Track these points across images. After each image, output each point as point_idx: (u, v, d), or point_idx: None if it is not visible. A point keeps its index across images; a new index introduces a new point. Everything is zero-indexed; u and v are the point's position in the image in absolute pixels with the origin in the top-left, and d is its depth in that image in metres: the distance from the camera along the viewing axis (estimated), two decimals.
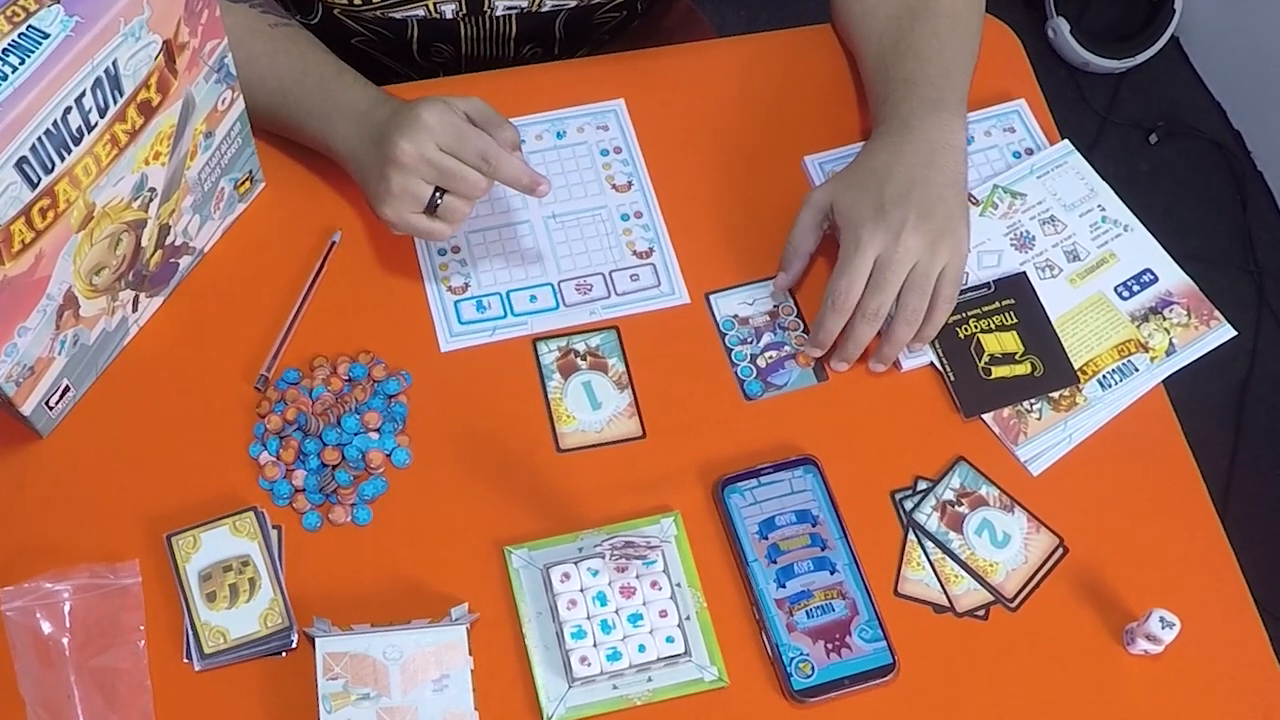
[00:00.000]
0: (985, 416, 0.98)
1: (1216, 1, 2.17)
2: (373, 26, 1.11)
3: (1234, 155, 2.16)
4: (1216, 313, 1.03)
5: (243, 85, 0.96)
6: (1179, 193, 2.13)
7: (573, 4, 1.10)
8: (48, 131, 0.76)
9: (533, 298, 1.01)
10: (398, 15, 1.09)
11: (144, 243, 0.92)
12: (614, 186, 1.07)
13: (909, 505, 0.95)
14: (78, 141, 0.79)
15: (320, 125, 0.99)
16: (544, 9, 1.10)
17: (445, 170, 0.92)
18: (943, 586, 0.92)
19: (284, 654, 0.88)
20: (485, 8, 1.10)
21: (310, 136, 1.01)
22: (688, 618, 0.89)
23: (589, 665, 0.86)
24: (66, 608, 0.87)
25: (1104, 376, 0.99)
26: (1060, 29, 2.17)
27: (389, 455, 0.94)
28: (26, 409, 0.90)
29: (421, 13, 1.09)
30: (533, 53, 1.18)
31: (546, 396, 0.97)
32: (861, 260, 0.94)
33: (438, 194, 0.93)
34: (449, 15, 1.10)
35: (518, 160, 0.93)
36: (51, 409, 0.93)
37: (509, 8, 1.10)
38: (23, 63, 0.74)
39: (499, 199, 1.05)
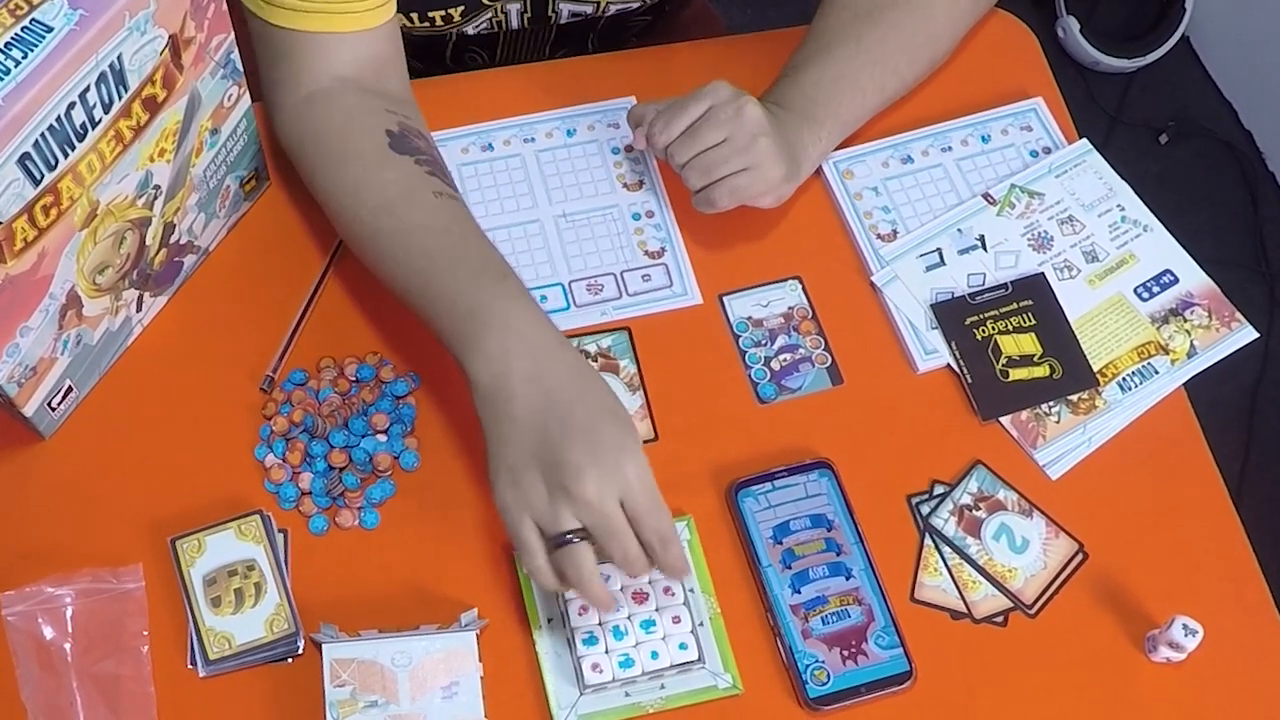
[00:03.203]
0: (1003, 419, 0.96)
1: (1227, 1, 2.15)
2: (414, 36, 1.10)
3: (1245, 156, 2.15)
4: (1238, 314, 1.01)
5: (381, 257, 0.88)
6: (1190, 193, 2.11)
7: (635, 5, 1.10)
8: (51, 127, 0.75)
9: (543, 298, 1.00)
10: (469, 30, 1.08)
11: (148, 241, 0.91)
12: (625, 185, 1.05)
13: (926, 510, 0.93)
14: (81, 138, 0.78)
15: (463, 330, 0.83)
16: (607, 14, 1.10)
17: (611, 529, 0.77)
18: (960, 592, 0.91)
19: (290, 660, 0.86)
20: (549, 11, 1.09)
21: (446, 336, 0.85)
22: (701, 624, 0.88)
23: (601, 672, 0.85)
24: (69, 613, 0.86)
25: (1124, 379, 0.98)
26: (1070, 28, 2.16)
27: (397, 458, 0.93)
28: (29, 410, 0.88)
29: (485, 28, 1.08)
30: (565, 56, 1.18)
31: None
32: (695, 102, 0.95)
33: (576, 535, 0.77)
34: (515, 26, 1.09)
35: (683, 551, 0.79)
36: (54, 410, 0.91)
37: (574, 14, 1.09)
38: (26, 57, 0.73)
39: (507, 198, 1.04)
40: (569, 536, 0.77)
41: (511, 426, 0.79)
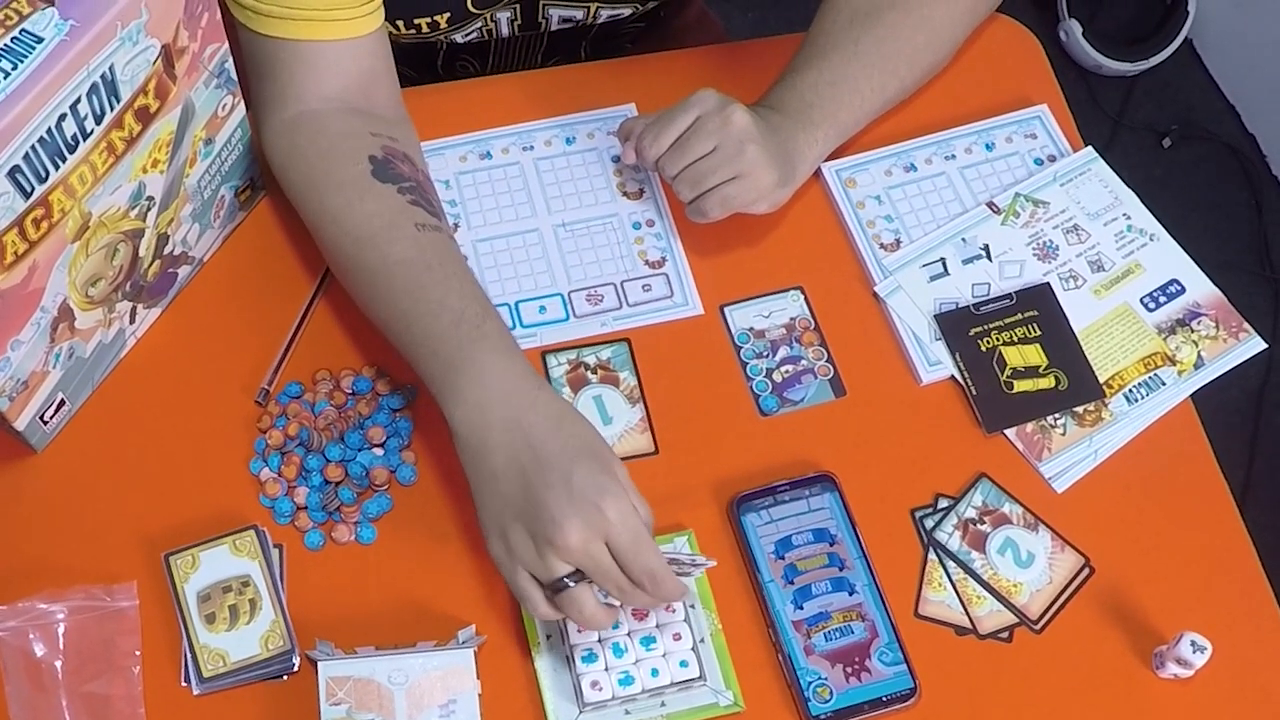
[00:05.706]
0: (1008, 432, 0.95)
1: (1230, 3, 2.14)
2: (402, 43, 1.09)
3: (1249, 159, 2.14)
4: (1245, 324, 1.00)
5: (363, 291, 0.89)
6: (1193, 197, 2.10)
7: (626, 12, 1.08)
8: (42, 139, 0.74)
9: (542, 309, 0.99)
10: (459, 39, 1.07)
11: (141, 253, 0.90)
12: (625, 194, 1.04)
13: (930, 524, 0.92)
14: (73, 149, 0.77)
15: (442, 378, 0.84)
16: (598, 21, 1.09)
17: (602, 569, 0.78)
18: (965, 608, 0.90)
19: (285, 678, 0.85)
20: (539, 17, 1.07)
21: (426, 379, 0.86)
22: (702, 640, 0.86)
23: (600, 690, 0.84)
24: (60, 630, 0.84)
25: (1130, 390, 0.97)
26: (1072, 31, 2.15)
27: (394, 472, 0.92)
28: (20, 424, 0.87)
29: (475, 37, 1.07)
30: (556, 64, 1.17)
31: None
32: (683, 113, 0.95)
33: (571, 577, 0.78)
34: (505, 34, 1.08)
35: (675, 580, 0.79)
36: (46, 424, 0.90)
37: (564, 19, 1.08)
38: (16, 68, 0.71)
39: (506, 207, 1.03)
40: (565, 580, 0.78)
41: (493, 483, 0.80)
